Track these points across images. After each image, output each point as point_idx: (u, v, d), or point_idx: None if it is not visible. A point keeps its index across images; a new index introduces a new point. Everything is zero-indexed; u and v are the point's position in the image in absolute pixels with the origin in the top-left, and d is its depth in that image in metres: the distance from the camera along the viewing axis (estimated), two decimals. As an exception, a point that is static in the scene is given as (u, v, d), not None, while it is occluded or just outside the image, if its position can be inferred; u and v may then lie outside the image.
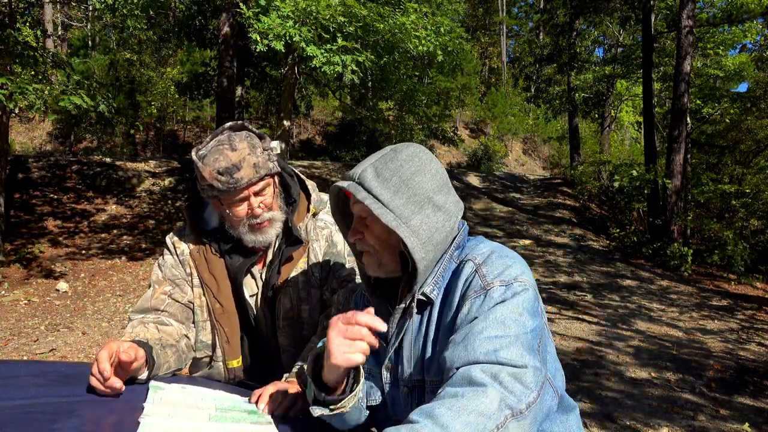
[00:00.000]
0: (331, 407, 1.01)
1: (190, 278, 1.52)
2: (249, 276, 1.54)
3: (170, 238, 1.57)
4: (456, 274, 1.05)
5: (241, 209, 1.40)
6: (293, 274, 1.51)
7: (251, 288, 1.54)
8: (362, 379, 1.03)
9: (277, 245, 1.52)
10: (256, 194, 1.40)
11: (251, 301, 1.54)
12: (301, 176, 1.61)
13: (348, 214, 1.20)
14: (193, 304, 1.52)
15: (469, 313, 0.97)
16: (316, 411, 1.02)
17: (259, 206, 1.40)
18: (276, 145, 1.52)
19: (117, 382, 1.08)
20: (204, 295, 1.51)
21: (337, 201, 1.19)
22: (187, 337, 1.49)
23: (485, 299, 0.97)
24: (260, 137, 1.44)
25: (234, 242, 1.49)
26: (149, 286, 1.53)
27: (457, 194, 1.14)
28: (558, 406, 1.07)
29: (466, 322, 0.96)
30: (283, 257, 1.50)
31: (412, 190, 1.04)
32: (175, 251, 1.54)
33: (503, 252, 1.05)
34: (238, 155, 1.33)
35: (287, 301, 1.50)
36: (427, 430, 0.78)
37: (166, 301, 1.48)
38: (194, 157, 1.39)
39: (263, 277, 1.53)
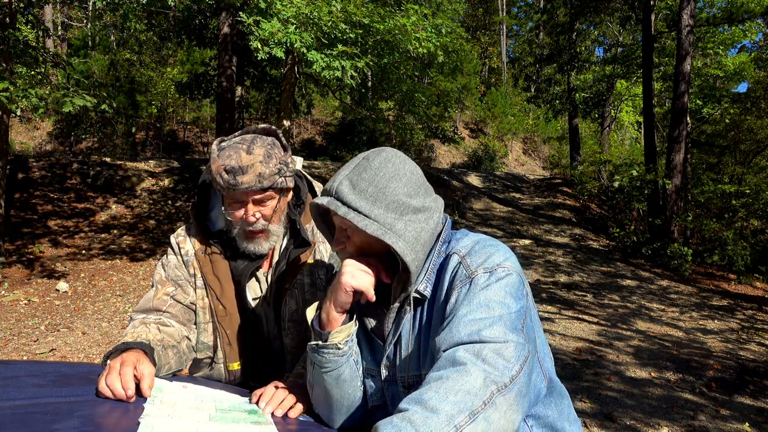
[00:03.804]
0: (325, 338, 1.09)
1: (193, 279, 1.52)
2: (253, 279, 1.54)
3: (175, 238, 1.56)
4: (443, 268, 1.08)
5: (238, 212, 1.40)
6: (299, 275, 1.51)
7: (255, 291, 1.54)
8: (354, 321, 1.12)
9: (284, 246, 1.52)
10: (255, 203, 1.39)
11: (254, 304, 1.53)
12: (309, 177, 1.61)
13: (332, 222, 1.22)
14: (196, 305, 1.51)
15: (456, 301, 1.00)
16: (313, 343, 1.11)
17: (254, 215, 1.39)
18: (298, 161, 1.52)
19: (133, 398, 1.09)
20: (207, 296, 1.51)
21: (319, 211, 1.21)
22: (188, 339, 1.49)
23: (470, 287, 1.00)
24: (284, 149, 1.44)
25: (243, 251, 1.49)
26: (152, 286, 1.53)
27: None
28: (550, 390, 1.09)
29: (453, 310, 0.99)
30: (290, 259, 1.50)
31: (390, 197, 1.05)
32: (179, 251, 1.53)
33: (487, 242, 1.08)
34: (250, 159, 1.34)
35: (293, 303, 1.50)
36: (417, 416, 0.79)
37: (168, 302, 1.48)
38: (214, 146, 1.40)
39: (268, 279, 1.53)
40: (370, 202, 1.04)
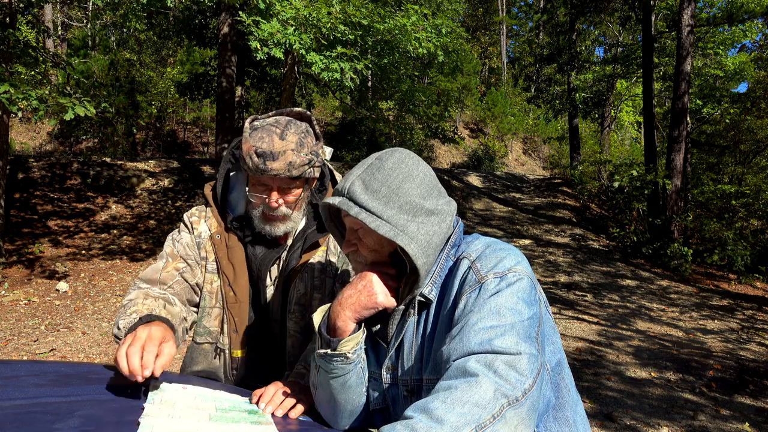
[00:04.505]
0: (334, 346, 1.06)
1: (204, 262, 1.50)
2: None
3: (189, 217, 1.53)
4: (452, 272, 1.06)
5: (261, 194, 1.39)
6: (311, 260, 1.50)
7: (269, 278, 1.53)
8: (362, 330, 1.09)
9: (299, 229, 1.51)
10: (281, 189, 1.38)
11: (269, 290, 1.53)
12: (331, 167, 1.59)
13: (342, 223, 1.20)
14: (202, 288, 1.50)
15: (465, 307, 0.97)
16: (321, 351, 1.08)
17: (277, 201, 1.38)
18: (328, 151, 1.50)
19: (143, 378, 1.03)
20: (219, 281, 1.49)
21: (330, 212, 1.19)
22: (185, 319, 1.46)
23: (480, 292, 0.97)
24: (317, 138, 1.42)
25: (258, 231, 1.47)
26: (161, 258, 1.49)
27: (447, 193, 1.14)
28: (562, 403, 1.05)
29: (463, 317, 0.96)
30: (307, 242, 1.49)
31: (403, 198, 1.03)
32: (192, 231, 1.51)
33: (497, 246, 1.05)
34: (282, 146, 1.32)
35: (302, 287, 1.49)
36: (421, 425, 0.78)
37: (176, 277, 1.45)
38: (247, 124, 1.38)
39: (281, 262, 1.51)
40: (383, 202, 1.02)
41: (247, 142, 1.33)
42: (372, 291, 1.06)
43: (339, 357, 1.06)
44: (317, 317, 1.11)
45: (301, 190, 1.42)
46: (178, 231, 1.53)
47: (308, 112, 1.44)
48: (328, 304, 1.12)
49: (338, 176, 1.60)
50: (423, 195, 1.05)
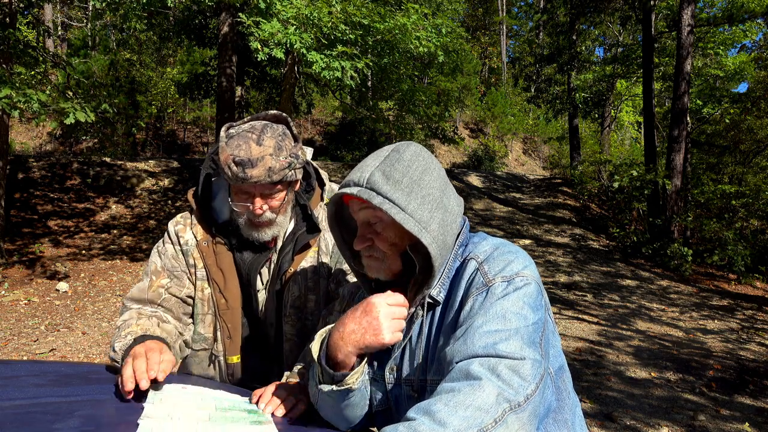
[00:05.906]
0: (339, 383, 1.01)
1: (193, 270, 1.48)
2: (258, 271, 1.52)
3: (174, 226, 1.51)
4: (459, 273, 1.04)
5: (245, 203, 1.38)
6: (303, 261, 1.49)
7: (258, 283, 1.52)
8: (365, 361, 1.04)
9: (289, 231, 1.49)
10: (263, 195, 1.37)
11: (260, 295, 1.52)
12: (315, 165, 1.59)
13: (341, 222, 1.18)
14: (194, 297, 1.49)
15: (471, 310, 0.96)
16: (325, 387, 1.03)
17: (261, 207, 1.37)
18: (308, 152, 1.49)
19: (153, 381, 1.09)
20: (209, 288, 1.48)
21: (336, 209, 1.15)
22: (181, 335, 1.45)
23: (487, 296, 0.96)
24: (295, 139, 1.40)
25: (246, 237, 1.46)
26: (145, 275, 1.48)
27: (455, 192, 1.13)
28: (561, 405, 1.04)
29: (468, 319, 0.95)
30: (298, 244, 1.48)
31: (425, 190, 1.01)
32: (178, 241, 1.49)
33: (506, 248, 1.04)
34: (260, 152, 1.30)
35: (296, 289, 1.48)
36: (424, 427, 0.78)
37: (164, 295, 1.44)
38: (223, 133, 1.36)
39: (272, 265, 1.51)
40: (405, 193, 0.98)
41: (224, 152, 1.32)
42: (378, 330, 0.99)
43: (344, 390, 1.03)
44: (315, 347, 1.06)
45: (284, 193, 1.40)
46: (163, 242, 1.52)
47: (284, 114, 1.42)
48: (325, 329, 1.08)
49: (324, 175, 1.59)
50: (441, 188, 1.04)
